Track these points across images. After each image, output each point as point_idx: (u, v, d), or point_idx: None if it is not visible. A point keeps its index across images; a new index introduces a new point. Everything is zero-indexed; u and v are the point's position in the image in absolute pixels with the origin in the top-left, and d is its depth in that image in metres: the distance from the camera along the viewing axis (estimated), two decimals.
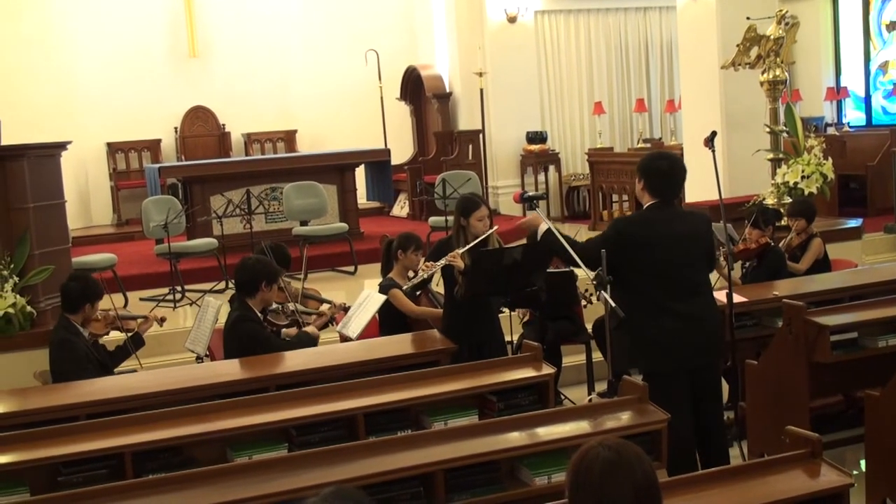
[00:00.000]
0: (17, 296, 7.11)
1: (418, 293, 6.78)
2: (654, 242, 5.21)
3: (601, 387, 6.92)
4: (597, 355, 7.37)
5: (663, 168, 5.33)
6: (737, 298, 6.21)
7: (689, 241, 5.32)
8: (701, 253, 5.42)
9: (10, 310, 7.04)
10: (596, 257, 5.18)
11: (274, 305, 6.47)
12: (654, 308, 5.22)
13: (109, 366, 6.43)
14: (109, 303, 6.85)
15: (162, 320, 6.81)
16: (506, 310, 7.02)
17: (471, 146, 13.87)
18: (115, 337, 6.86)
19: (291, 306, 6.58)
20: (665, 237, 5.23)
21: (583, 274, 6.57)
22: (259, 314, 6.26)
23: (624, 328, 5.26)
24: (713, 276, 6.06)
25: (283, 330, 6.50)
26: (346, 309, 6.92)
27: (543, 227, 5.57)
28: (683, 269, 5.27)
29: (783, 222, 8.61)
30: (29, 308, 7.17)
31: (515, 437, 4.47)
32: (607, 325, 6.15)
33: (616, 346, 5.43)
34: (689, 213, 5.65)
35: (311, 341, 6.46)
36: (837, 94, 14.55)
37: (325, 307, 7.03)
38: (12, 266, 7.14)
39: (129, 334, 6.57)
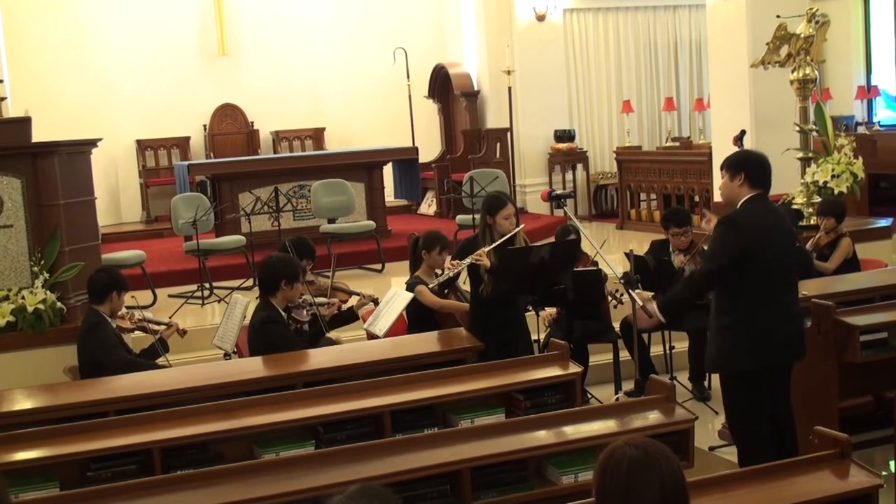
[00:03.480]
0: (48, 292, 7.16)
1: (446, 291, 6.78)
2: (762, 233, 5.03)
3: (628, 386, 6.91)
4: (624, 354, 7.35)
5: (761, 160, 5.20)
6: None
7: (786, 234, 5.23)
8: (794, 245, 5.36)
9: (41, 306, 7.09)
10: (713, 272, 5.08)
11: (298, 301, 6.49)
12: (764, 303, 5.00)
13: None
14: (136, 301, 6.88)
15: (183, 332, 6.84)
16: (531, 309, 7.01)
17: (499, 144, 13.84)
18: (138, 336, 6.94)
19: (309, 298, 6.57)
20: (772, 228, 5.08)
21: (612, 274, 6.55)
22: (282, 312, 6.29)
23: (726, 326, 5.08)
24: None
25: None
26: (375, 300, 6.92)
27: (653, 306, 5.44)
28: (786, 261, 5.13)
29: (812, 221, 8.57)
30: (59, 304, 7.21)
31: (542, 436, 4.47)
32: (634, 325, 6.15)
33: (714, 345, 5.20)
34: (779, 207, 5.51)
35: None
36: (868, 92, 14.41)
37: (353, 299, 7.04)
38: (43, 262, 7.19)
39: (156, 336, 6.61)
